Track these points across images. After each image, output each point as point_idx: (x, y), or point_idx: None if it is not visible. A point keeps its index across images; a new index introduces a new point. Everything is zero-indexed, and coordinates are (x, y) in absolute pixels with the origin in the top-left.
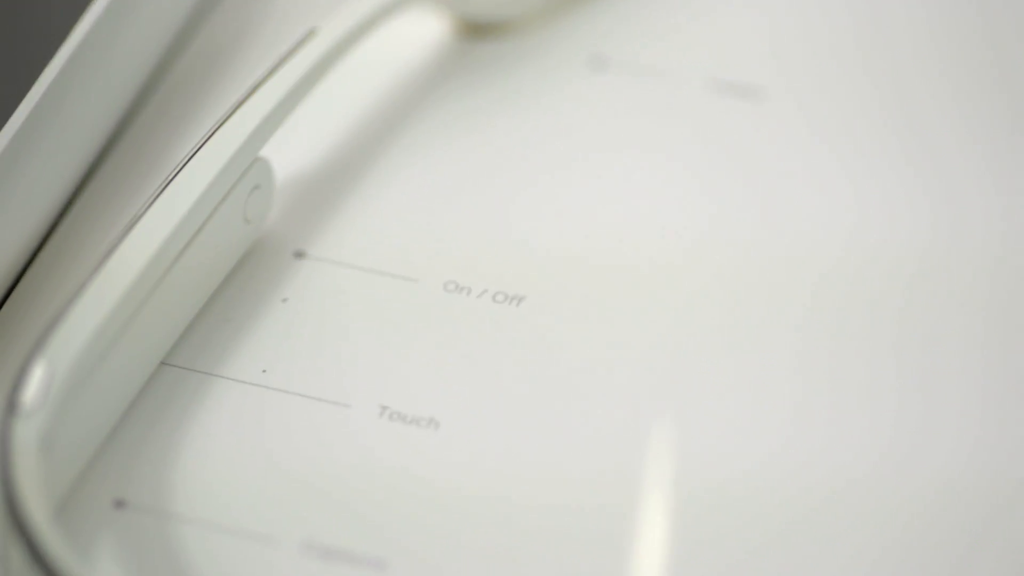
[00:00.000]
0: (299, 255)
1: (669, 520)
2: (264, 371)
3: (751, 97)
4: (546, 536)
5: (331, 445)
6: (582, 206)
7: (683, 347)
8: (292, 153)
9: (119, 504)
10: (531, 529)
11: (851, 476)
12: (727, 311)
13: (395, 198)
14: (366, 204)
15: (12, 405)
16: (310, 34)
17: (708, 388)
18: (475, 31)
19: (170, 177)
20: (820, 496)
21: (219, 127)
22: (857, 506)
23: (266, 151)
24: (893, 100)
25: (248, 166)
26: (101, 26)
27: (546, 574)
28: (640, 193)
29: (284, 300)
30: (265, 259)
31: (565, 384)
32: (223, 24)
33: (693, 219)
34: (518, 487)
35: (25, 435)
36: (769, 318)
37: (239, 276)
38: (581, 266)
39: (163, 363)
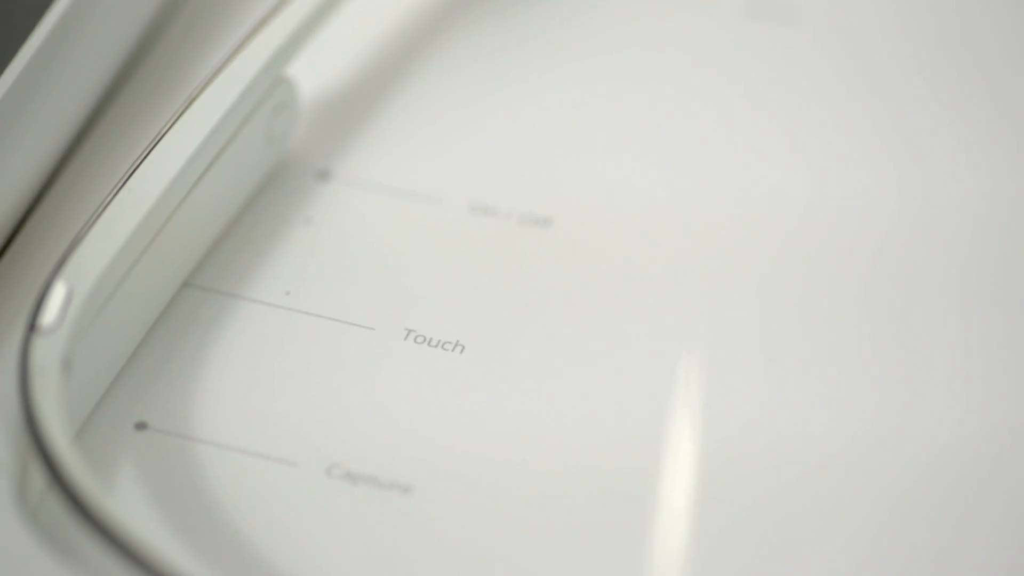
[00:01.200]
0: (323, 176)
1: (693, 455)
2: (287, 293)
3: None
4: (571, 462)
5: (355, 369)
6: (613, 132)
7: (717, 279)
8: (318, 73)
9: (140, 426)
10: (556, 455)
11: (853, 436)
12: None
13: (421, 119)
14: (392, 125)
15: (32, 324)
16: None
17: (733, 323)
18: None
19: (193, 96)
20: (819, 460)
21: (243, 45)
22: (860, 465)
23: (291, 70)
24: (864, 74)
25: (272, 86)
26: None
27: (572, 499)
28: (676, 125)
29: (308, 221)
30: (289, 180)
31: (593, 308)
32: None
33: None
34: (544, 412)
35: (44, 354)
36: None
37: (262, 197)
38: (612, 189)
39: (185, 284)
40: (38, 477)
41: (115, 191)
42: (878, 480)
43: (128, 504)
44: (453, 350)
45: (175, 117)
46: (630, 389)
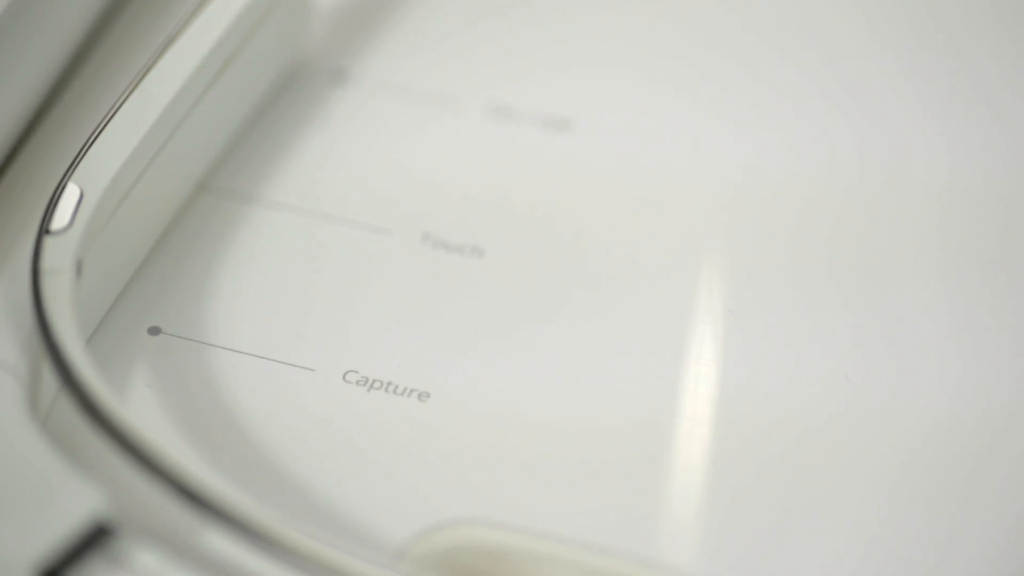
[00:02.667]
0: (340, 79)
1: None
2: (302, 195)
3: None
4: (590, 370)
5: (372, 273)
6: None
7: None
8: None
9: (154, 331)
10: (574, 363)
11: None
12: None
13: (435, 18)
14: (406, 24)
15: (43, 226)
16: None
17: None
18: None
19: None
20: (822, 422)
21: None
22: (865, 425)
23: None
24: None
25: None
26: None
27: (590, 404)
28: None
29: (324, 122)
30: (305, 83)
31: (613, 215)
32: None
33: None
34: (559, 313)
35: (56, 256)
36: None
37: (277, 99)
38: (632, 89)
39: (200, 188)
40: (50, 380)
41: (127, 93)
42: (884, 440)
43: (141, 409)
44: (471, 254)
45: (189, 18)
46: (651, 295)
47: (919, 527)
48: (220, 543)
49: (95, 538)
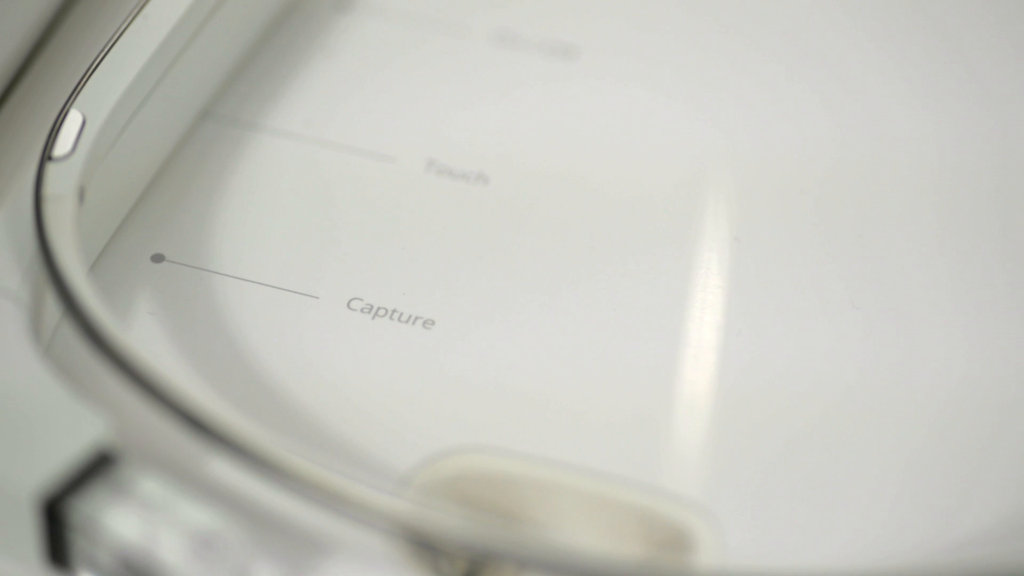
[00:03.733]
0: (343, 3)
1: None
2: (307, 123)
3: None
4: (594, 297)
5: (376, 200)
6: None
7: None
8: None
9: (157, 258)
10: (580, 286)
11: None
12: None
13: None
14: None
15: (46, 153)
16: None
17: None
18: None
19: None
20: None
21: None
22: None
23: None
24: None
25: None
26: None
27: (597, 331)
28: None
29: (328, 50)
30: (308, 8)
31: (616, 142)
32: None
33: None
34: (568, 246)
35: (58, 182)
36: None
37: (281, 26)
38: (639, 19)
39: (203, 115)
40: (52, 307)
41: (130, 19)
42: (895, 413)
43: (144, 336)
44: (475, 181)
45: None
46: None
47: (942, 474)
48: (223, 470)
49: (98, 465)
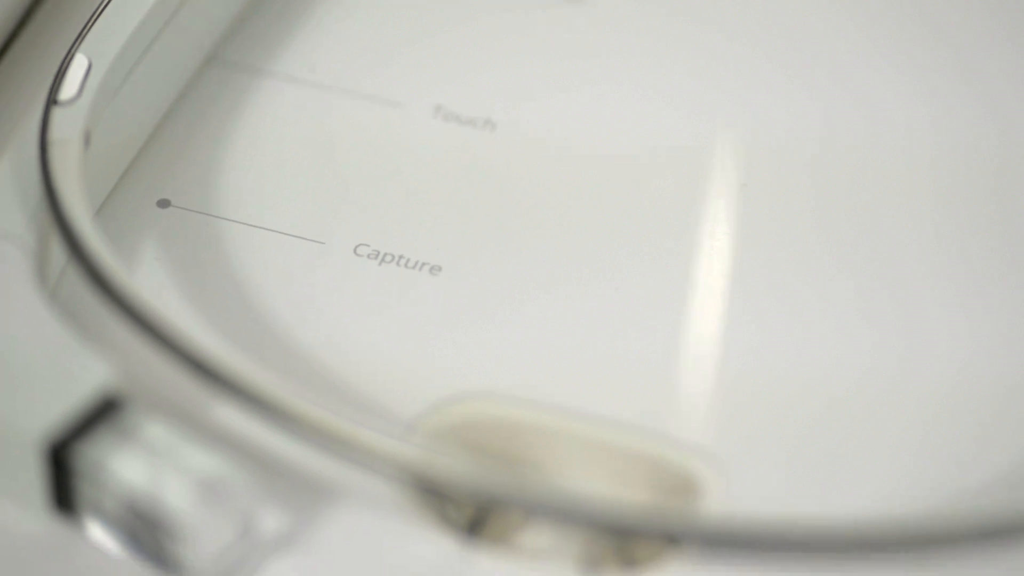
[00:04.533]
0: None
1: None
2: (313, 68)
3: None
4: (606, 249)
5: (383, 146)
6: None
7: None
8: None
9: (163, 204)
10: (587, 233)
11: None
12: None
13: None
14: None
15: (51, 97)
16: None
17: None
18: None
19: None
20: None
21: None
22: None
23: None
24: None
25: None
26: None
27: (607, 283)
28: None
29: None
30: None
31: (628, 85)
32: None
33: None
34: (575, 193)
35: (64, 126)
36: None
37: None
38: None
39: (209, 60)
40: (58, 252)
41: None
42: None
43: (149, 282)
44: (483, 127)
45: None
46: (673, 156)
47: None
48: (230, 415)
49: (104, 411)
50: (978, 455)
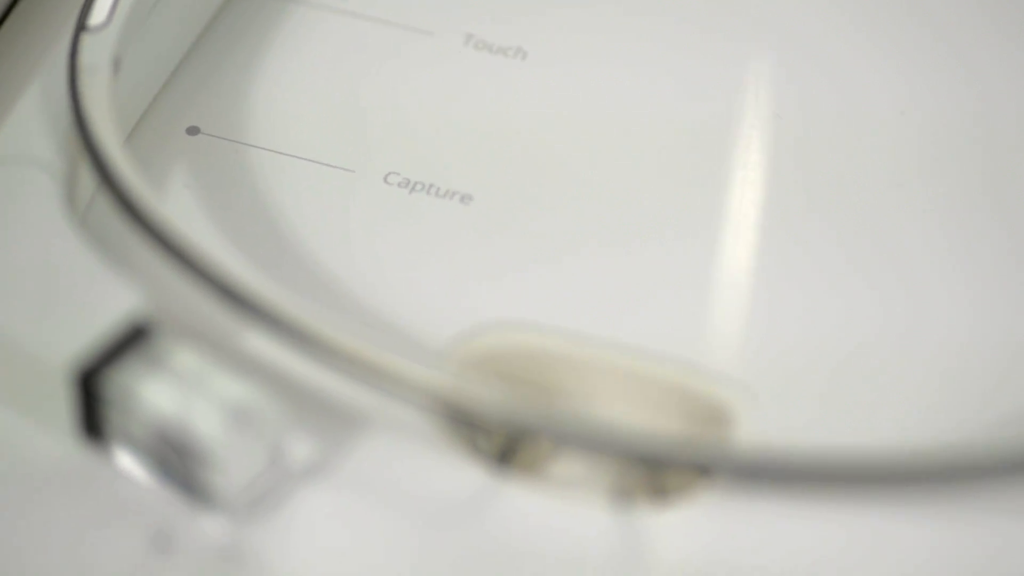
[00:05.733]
0: None
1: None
2: None
3: None
4: (636, 172)
5: (414, 75)
6: None
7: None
8: None
9: (192, 131)
10: (618, 163)
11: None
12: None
13: None
14: None
15: (81, 23)
16: None
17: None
18: None
19: None
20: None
21: None
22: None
23: None
24: None
25: None
26: None
27: (637, 209)
28: None
29: None
30: None
31: (661, 19)
32: None
33: None
34: (607, 122)
35: (94, 52)
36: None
37: None
38: None
39: None
40: (87, 179)
41: None
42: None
43: (179, 209)
44: (514, 56)
45: None
46: (705, 112)
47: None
48: (260, 343)
49: (134, 338)
50: (1000, 389)
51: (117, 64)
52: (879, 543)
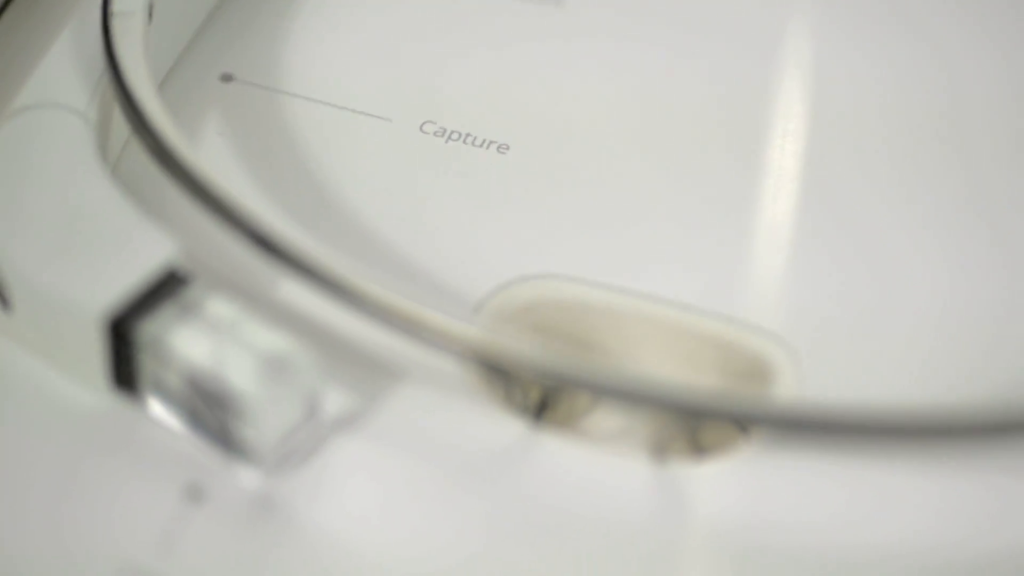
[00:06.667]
0: None
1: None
2: None
3: None
4: (674, 120)
5: (449, 21)
6: None
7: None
8: None
9: (226, 78)
10: (659, 115)
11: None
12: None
13: None
14: None
15: None
16: None
17: None
18: None
19: None
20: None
21: None
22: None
23: None
24: None
25: None
26: None
27: (670, 164)
28: None
29: None
30: None
31: None
32: None
33: None
34: (646, 75)
35: None
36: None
37: None
38: None
39: None
40: (120, 126)
41: None
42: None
43: (213, 156)
44: (549, 2)
45: None
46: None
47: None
48: (294, 293)
49: (167, 286)
50: None
51: (151, 10)
52: (915, 498)
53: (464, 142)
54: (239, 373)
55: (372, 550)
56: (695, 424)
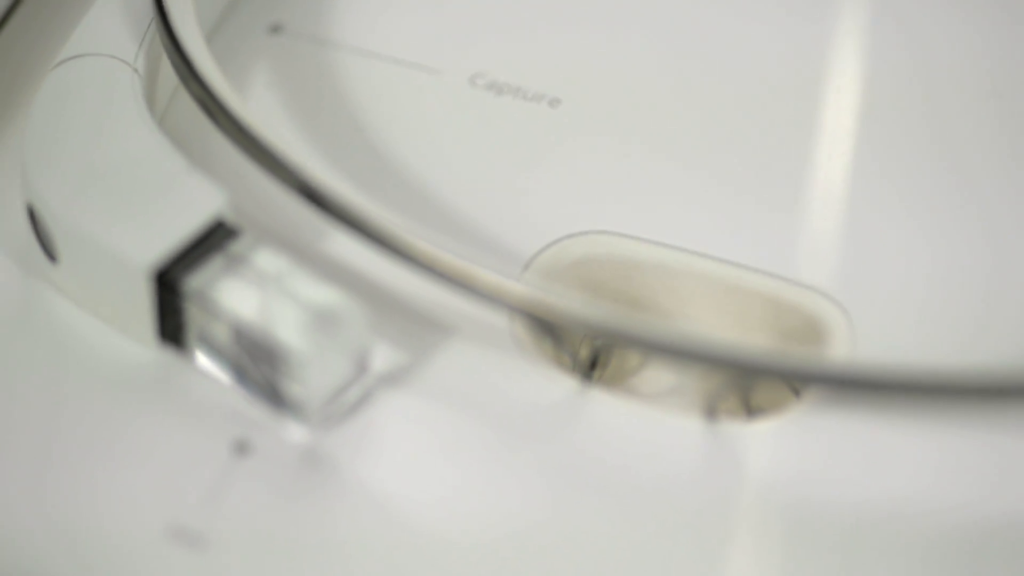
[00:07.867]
0: None
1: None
2: None
3: None
4: (727, 79)
5: None
6: None
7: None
8: None
9: (275, 29)
10: (712, 73)
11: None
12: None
13: None
14: None
15: None
16: None
17: None
18: None
19: None
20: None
21: None
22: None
23: None
24: None
25: None
26: None
27: (724, 123)
28: None
29: None
30: None
31: None
32: None
33: None
34: (701, 31)
35: None
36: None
37: None
38: None
39: None
40: (168, 76)
41: None
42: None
43: (261, 108)
44: None
45: None
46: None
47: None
48: (342, 248)
49: (216, 238)
50: None
51: None
52: (968, 458)
53: (515, 96)
54: (287, 328)
55: (416, 506)
56: (748, 383)
